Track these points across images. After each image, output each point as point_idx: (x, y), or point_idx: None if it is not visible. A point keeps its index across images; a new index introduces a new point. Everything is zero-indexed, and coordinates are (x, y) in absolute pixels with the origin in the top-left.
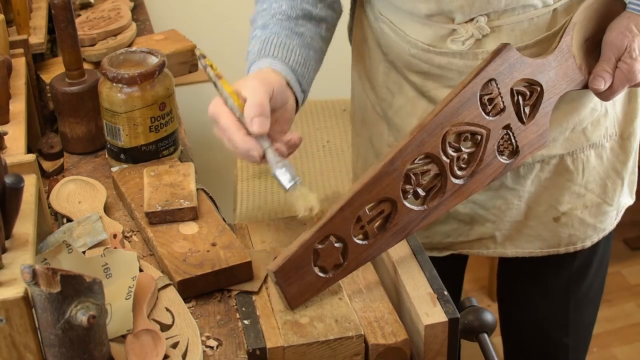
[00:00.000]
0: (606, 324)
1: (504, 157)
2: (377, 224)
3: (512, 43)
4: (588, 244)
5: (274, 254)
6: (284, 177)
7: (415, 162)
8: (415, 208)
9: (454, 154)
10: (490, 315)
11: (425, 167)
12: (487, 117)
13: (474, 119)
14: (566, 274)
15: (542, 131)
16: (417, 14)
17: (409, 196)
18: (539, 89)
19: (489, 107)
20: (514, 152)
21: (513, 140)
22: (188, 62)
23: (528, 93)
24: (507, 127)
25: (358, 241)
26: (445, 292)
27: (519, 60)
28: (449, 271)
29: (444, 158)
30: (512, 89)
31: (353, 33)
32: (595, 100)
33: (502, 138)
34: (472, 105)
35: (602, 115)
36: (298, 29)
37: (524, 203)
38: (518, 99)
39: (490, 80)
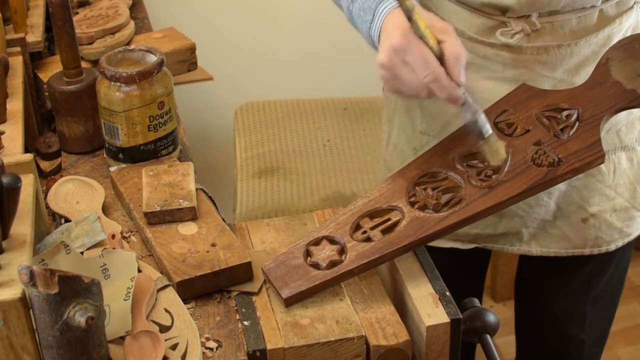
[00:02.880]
0: None
1: (542, 167)
2: (381, 228)
3: (559, 40)
4: (612, 247)
5: (274, 254)
6: (486, 125)
7: (424, 179)
8: (427, 213)
9: (469, 170)
10: (493, 316)
11: (436, 184)
12: (509, 137)
13: None
14: (587, 270)
15: (590, 142)
16: (469, 3)
17: (419, 206)
18: (574, 112)
19: (510, 130)
20: (557, 162)
21: (551, 153)
22: (187, 60)
23: (560, 116)
24: (539, 142)
25: (357, 242)
26: (447, 293)
27: (538, 93)
28: (472, 267)
29: (455, 175)
30: (536, 114)
31: None
32: None
33: (536, 152)
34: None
35: (637, 119)
36: None
37: (553, 201)
38: (549, 122)
39: (504, 112)
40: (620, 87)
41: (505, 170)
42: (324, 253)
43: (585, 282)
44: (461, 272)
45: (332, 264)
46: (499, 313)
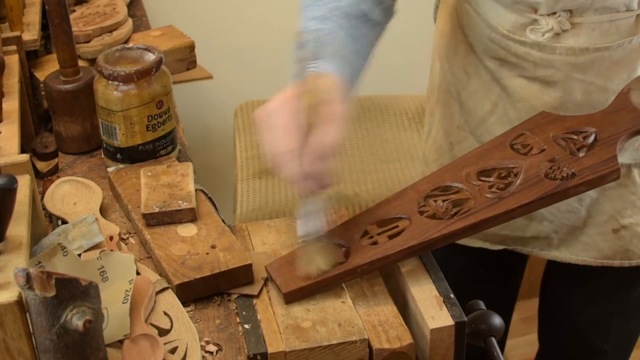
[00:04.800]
0: None
1: (555, 180)
2: (388, 234)
3: (590, 42)
4: None
5: (275, 256)
6: (300, 228)
7: (435, 192)
8: (436, 221)
9: (480, 183)
10: (499, 318)
11: (447, 196)
12: (523, 156)
13: (504, 161)
14: (616, 281)
15: (606, 158)
16: None
17: (426, 214)
18: (592, 133)
19: (525, 150)
20: (570, 176)
21: (564, 168)
22: (186, 58)
23: (579, 137)
24: (553, 160)
25: (363, 243)
26: (452, 295)
27: (557, 119)
28: (504, 271)
29: (466, 188)
30: (552, 136)
31: (438, 11)
32: None
33: (549, 168)
34: (502, 151)
35: None
36: (354, 31)
37: (584, 208)
38: (566, 143)
39: (521, 134)
40: (639, 112)
41: (518, 183)
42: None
43: (612, 293)
44: (491, 279)
45: (337, 264)
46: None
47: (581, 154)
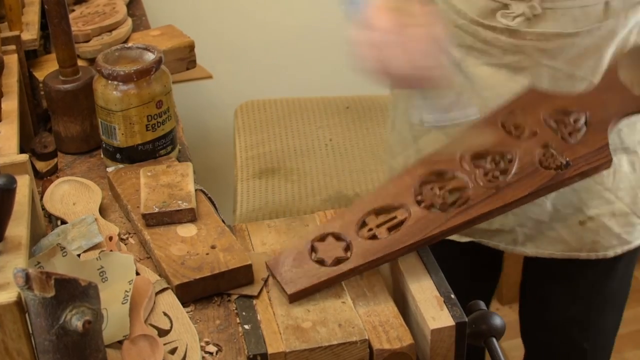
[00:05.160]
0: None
1: (550, 169)
2: (387, 225)
3: (561, 28)
4: (610, 254)
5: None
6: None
7: (431, 177)
8: (434, 215)
9: (476, 170)
10: (499, 319)
11: (443, 183)
12: (516, 140)
13: (497, 145)
14: (592, 276)
15: (598, 146)
16: None
17: (424, 204)
18: (582, 116)
19: (516, 132)
20: (564, 166)
21: (558, 156)
22: (186, 58)
23: (567, 119)
24: (546, 145)
25: (363, 239)
26: (452, 295)
27: (544, 96)
28: (479, 265)
29: (461, 175)
30: (543, 117)
31: None
32: None
33: (543, 155)
34: (494, 132)
35: (639, 120)
36: None
37: (549, 202)
38: (557, 125)
39: (511, 112)
40: (628, 93)
41: (513, 172)
42: (329, 249)
43: (587, 289)
44: (466, 273)
45: (337, 261)
46: (505, 316)
47: (573, 140)
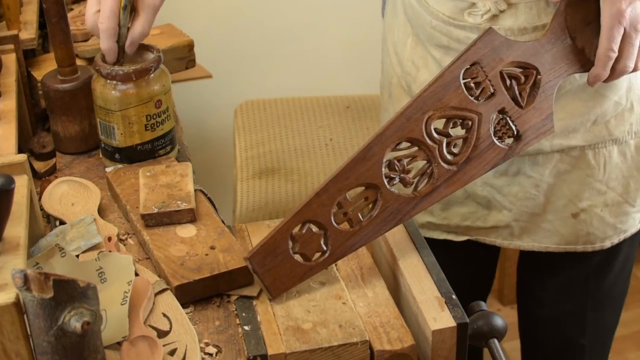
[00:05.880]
0: (620, 327)
1: (504, 143)
2: (362, 210)
3: (528, 21)
4: (607, 244)
5: None
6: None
7: (399, 148)
8: (404, 194)
9: (442, 139)
10: (501, 319)
11: (410, 153)
12: (475, 102)
13: (461, 103)
14: (585, 271)
15: (545, 115)
16: None
17: (395, 182)
18: (534, 72)
19: (477, 91)
20: (516, 137)
21: (512, 125)
22: (185, 57)
23: (522, 77)
24: (502, 111)
25: (341, 228)
26: (454, 296)
27: (505, 43)
28: (474, 263)
29: (430, 142)
30: (501, 73)
31: (386, 6)
32: (619, 93)
33: (498, 123)
34: (456, 90)
35: (627, 110)
36: None
37: (542, 194)
38: (511, 83)
39: (473, 64)
40: (573, 48)
41: (472, 145)
42: (309, 240)
43: (583, 284)
44: (461, 271)
45: (319, 254)
46: (507, 316)
47: (523, 105)
